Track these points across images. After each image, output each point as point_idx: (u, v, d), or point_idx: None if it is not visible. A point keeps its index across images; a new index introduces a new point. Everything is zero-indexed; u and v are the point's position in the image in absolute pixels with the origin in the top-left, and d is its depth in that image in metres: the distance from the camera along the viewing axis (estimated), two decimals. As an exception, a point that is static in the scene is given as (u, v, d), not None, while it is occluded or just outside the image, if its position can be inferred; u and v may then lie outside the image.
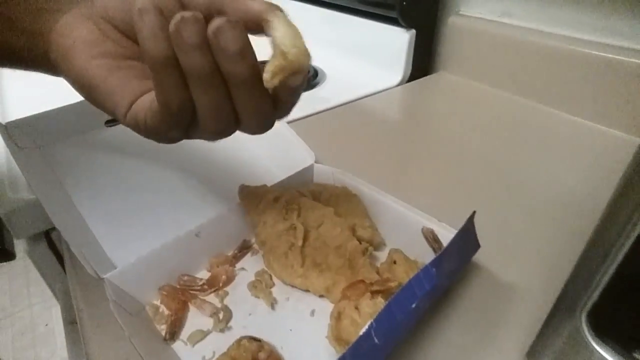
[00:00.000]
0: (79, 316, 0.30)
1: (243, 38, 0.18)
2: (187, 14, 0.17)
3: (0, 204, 0.38)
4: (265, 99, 0.21)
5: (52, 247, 0.42)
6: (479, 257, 0.31)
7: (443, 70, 0.69)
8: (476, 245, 0.29)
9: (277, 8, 0.20)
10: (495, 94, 0.61)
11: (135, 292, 0.28)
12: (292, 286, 0.30)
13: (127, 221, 0.33)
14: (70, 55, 0.22)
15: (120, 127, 0.40)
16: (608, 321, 0.18)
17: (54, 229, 0.40)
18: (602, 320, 0.18)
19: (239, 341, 0.25)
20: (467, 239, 0.28)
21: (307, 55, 0.19)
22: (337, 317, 0.26)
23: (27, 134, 0.35)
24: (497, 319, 0.28)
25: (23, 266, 1.52)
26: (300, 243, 0.30)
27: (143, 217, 0.34)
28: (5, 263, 0.42)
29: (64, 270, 0.44)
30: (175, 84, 0.19)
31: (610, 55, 0.48)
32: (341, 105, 0.59)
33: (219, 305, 0.29)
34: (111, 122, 0.39)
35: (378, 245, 0.33)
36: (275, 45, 0.19)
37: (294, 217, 0.32)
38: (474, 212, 0.27)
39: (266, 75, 0.19)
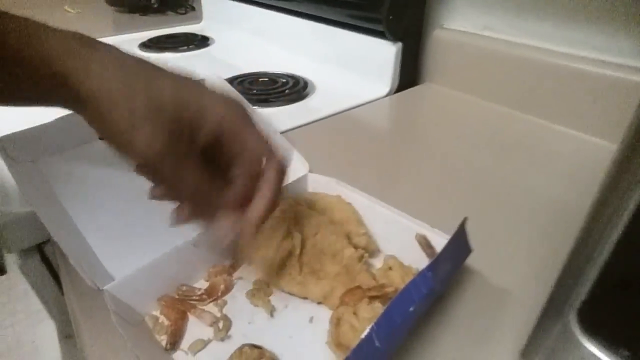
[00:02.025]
0: (77, 329, 0.30)
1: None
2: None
3: (-9, 217, 0.37)
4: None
5: (45, 260, 0.41)
6: (471, 261, 0.32)
7: (429, 81, 0.71)
8: (468, 250, 0.30)
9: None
10: (480, 104, 0.63)
11: (135, 303, 0.29)
12: (290, 294, 0.31)
13: (124, 233, 0.34)
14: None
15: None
16: (596, 318, 0.19)
17: (46, 242, 0.40)
18: (590, 317, 0.19)
19: (240, 349, 0.26)
20: (460, 244, 0.29)
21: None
22: (336, 323, 0.26)
23: (22, 147, 0.35)
24: (490, 320, 0.29)
25: (6, 283, 1.48)
26: (297, 251, 0.31)
27: (140, 229, 0.34)
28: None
29: (58, 284, 0.44)
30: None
31: (584, 67, 0.51)
32: (331, 115, 0.60)
33: (219, 315, 0.30)
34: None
35: (373, 252, 0.34)
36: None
37: (291, 226, 0.32)
38: (466, 218, 0.28)
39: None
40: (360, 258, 0.32)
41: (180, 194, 0.25)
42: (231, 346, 0.27)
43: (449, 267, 0.28)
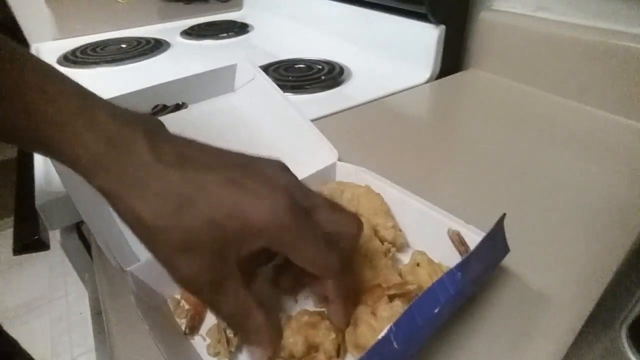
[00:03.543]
0: (104, 308, 0.31)
1: None
2: None
3: (37, 196, 0.40)
4: None
5: (83, 239, 0.43)
6: (507, 262, 0.29)
7: (474, 67, 0.67)
8: (505, 250, 0.27)
9: None
10: (529, 92, 0.58)
11: (157, 286, 0.29)
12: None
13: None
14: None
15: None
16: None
17: (83, 222, 0.42)
18: (644, 335, 0.17)
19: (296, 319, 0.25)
20: (496, 242, 0.26)
21: None
22: (353, 323, 0.25)
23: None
24: (525, 328, 0.26)
25: (61, 256, 1.60)
26: (320, 242, 0.30)
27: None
28: (45, 253, 0.44)
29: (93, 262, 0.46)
30: None
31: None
32: (367, 102, 0.58)
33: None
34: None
35: (401, 247, 0.32)
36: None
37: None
38: (504, 214, 0.25)
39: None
40: (387, 252, 0.30)
41: (221, 315, 0.24)
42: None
43: (482, 267, 0.26)
